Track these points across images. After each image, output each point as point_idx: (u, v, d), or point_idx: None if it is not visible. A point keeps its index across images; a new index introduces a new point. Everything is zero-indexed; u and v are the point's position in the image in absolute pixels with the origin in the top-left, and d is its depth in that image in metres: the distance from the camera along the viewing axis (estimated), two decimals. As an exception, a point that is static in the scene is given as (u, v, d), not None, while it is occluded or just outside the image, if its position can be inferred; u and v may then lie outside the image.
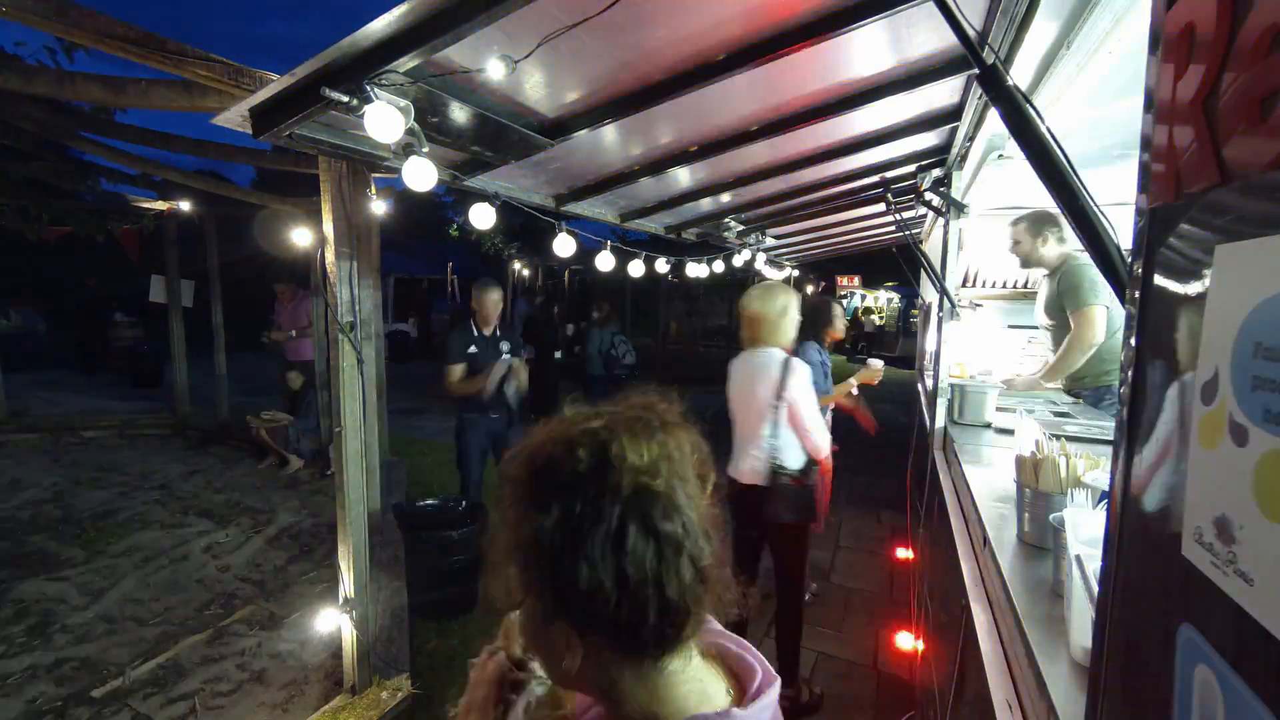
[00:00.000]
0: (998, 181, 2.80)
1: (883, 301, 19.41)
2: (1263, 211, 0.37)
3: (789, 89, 2.25)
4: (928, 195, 3.01)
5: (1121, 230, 0.76)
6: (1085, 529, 1.08)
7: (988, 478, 1.96)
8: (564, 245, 3.43)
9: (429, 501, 3.66)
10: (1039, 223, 2.86)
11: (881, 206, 4.12)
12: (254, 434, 5.62)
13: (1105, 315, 2.63)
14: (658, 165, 2.95)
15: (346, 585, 2.43)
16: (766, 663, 0.66)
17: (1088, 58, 1.37)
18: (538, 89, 1.98)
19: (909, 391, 6.49)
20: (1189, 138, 0.44)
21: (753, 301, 2.61)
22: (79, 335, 11.38)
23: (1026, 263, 2.98)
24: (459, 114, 1.94)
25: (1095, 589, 0.79)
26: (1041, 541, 1.44)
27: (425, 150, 1.95)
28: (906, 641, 3.00)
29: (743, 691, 0.64)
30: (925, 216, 4.79)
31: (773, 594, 2.82)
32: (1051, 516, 1.32)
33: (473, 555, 3.32)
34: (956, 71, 2.07)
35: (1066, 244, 2.85)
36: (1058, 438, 1.68)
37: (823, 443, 2.63)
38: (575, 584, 0.55)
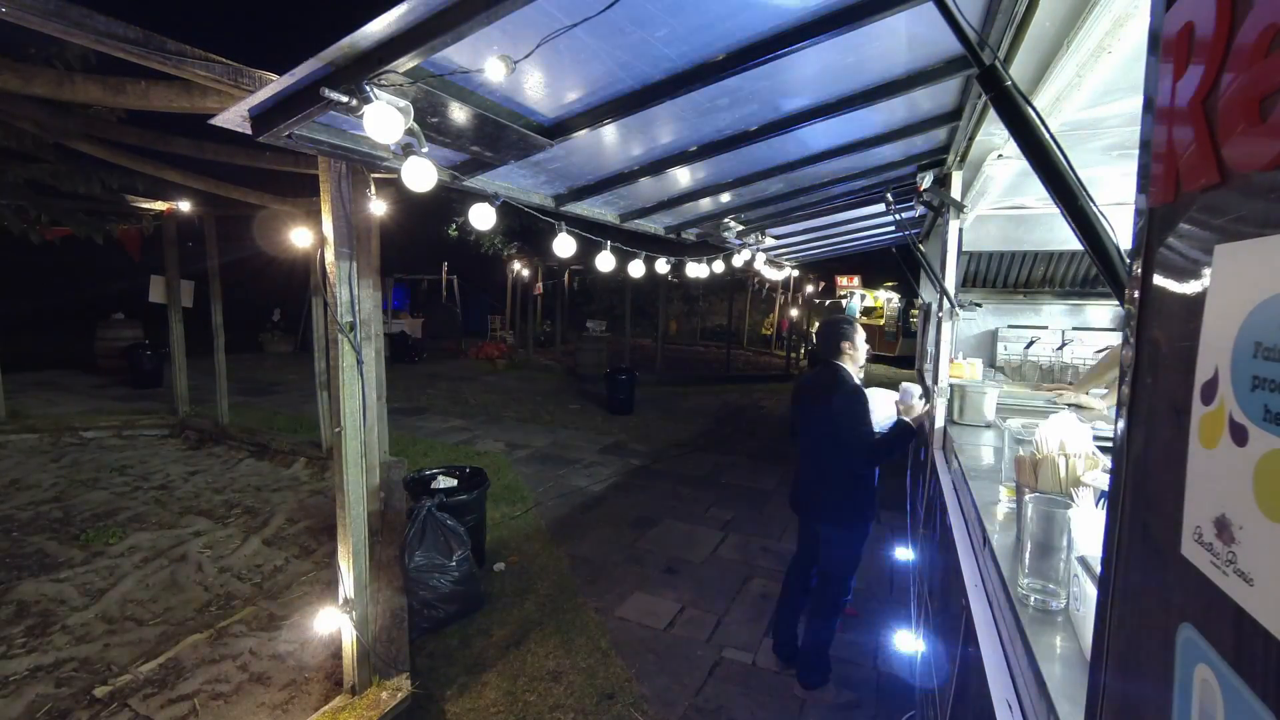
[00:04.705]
0: (997, 181, 2.80)
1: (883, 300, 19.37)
2: (1262, 211, 0.37)
3: (790, 89, 2.25)
4: (927, 195, 3.01)
5: (1121, 230, 0.76)
6: (1087, 529, 1.08)
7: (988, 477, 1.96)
8: (564, 245, 3.42)
9: (436, 471, 3.90)
10: None
11: (881, 206, 4.12)
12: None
13: None
14: (658, 165, 2.95)
15: (346, 585, 2.43)
16: None
17: (1087, 58, 1.37)
18: (538, 89, 1.98)
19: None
20: (1189, 138, 0.44)
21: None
22: (78, 335, 11.36)
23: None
24: (459, 114, 1.94)
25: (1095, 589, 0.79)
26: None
27: (425, 150, 1.95)
28: (906, 641, 2.99)
29: None
30: (925, 216, 4.78)
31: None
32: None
33: (474, 549, 3.32)
34: (956, 71, 2.07)
35: None
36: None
37: None
38: None
